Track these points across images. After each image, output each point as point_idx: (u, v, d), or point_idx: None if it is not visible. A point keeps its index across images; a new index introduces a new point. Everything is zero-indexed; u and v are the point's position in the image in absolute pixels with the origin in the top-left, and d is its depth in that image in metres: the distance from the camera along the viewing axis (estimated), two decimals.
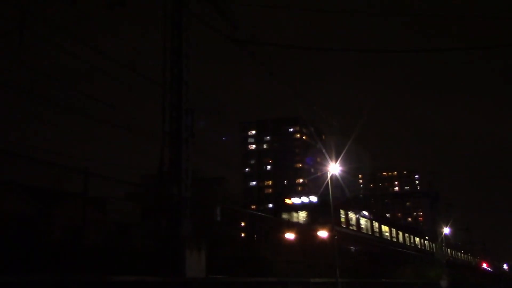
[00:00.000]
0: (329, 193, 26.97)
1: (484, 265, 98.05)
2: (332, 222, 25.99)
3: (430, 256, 53.49)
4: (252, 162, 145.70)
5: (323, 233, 26.33)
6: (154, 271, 12.31)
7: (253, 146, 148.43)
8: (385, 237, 46.16)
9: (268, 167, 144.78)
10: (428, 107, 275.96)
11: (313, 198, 33.71)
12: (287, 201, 33.67)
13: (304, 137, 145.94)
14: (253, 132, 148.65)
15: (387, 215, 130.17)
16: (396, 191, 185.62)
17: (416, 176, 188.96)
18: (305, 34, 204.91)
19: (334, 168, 27.55)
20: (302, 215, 34.38)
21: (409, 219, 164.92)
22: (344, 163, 28.46)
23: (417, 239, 57.63)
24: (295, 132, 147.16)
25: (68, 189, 11.57)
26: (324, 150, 30.02)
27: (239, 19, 16.43)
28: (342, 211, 35.06)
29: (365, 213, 41.26)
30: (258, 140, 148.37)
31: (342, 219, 34.85)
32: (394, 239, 48.64)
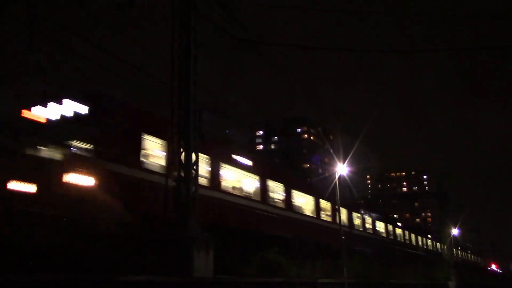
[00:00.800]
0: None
1: (493, 266, 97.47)
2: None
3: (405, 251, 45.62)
4: None
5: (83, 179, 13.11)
6: (162, 271, 12.35)
7: (261, 147, 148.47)
8: (302, 211, 26.40)
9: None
10: (436, 106, 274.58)
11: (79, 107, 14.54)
12: (26, 114, 14.05)
13: (311, 138, 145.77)
14: (261, 132, 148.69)
15: (395, 215, 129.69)
16: (405, 191, 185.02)
17: (425, 176, 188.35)
18: (311, 35, 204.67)
19: (341, 169, 27.49)
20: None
21: (418, 219, 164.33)
22: (352, 163, 28.37)
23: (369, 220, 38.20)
24: (302, 132, 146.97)
25: None
26: (331, 151, 29.60)
27: (247, 19, 16.47)
28: (151, 138, 16.58)
29: (246, 162, 21.65)
30: (266, 140, 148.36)
31: (155, 158, 16.72)
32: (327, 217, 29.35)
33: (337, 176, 26.94)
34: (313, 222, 26.99)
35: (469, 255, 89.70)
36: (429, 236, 60.52)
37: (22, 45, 12.72)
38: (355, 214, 35.08)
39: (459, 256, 73.72)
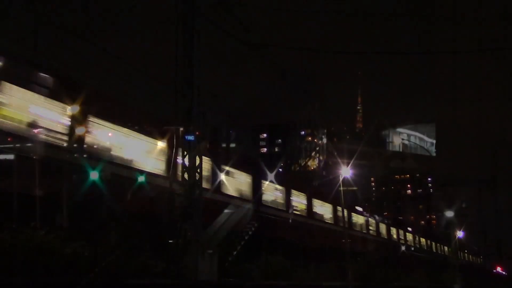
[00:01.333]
0: None
1: (498, 269, 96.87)
2: None
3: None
4: None
5: None
6: (166, 274, 12.35)
7: (265, 149, 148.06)
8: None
9: (280, 170, 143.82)
10: (437, 106, 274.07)
11: None
12: None
13: (315, 140, 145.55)
14: (265, 135, 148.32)
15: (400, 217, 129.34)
16: (409, 194, 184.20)
17: (429, 179, 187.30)
18: (313, 36, 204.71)
19: (346, 171, 27.40)
20: None
21: (422, 222, 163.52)
22: (357, 166, 28.26)
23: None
24: (306, 135, 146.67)
25: None
26: (335, 153, 29.43)
27: (249, 21, 16.47)
28: None
29: None
30: (270, 143, 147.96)
31: None
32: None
33: (341, 179, 26.87)
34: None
35: (474, 257, 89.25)
36: (409, 228, 59.00)
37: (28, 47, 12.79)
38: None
39: (464, 258, 73.34)
